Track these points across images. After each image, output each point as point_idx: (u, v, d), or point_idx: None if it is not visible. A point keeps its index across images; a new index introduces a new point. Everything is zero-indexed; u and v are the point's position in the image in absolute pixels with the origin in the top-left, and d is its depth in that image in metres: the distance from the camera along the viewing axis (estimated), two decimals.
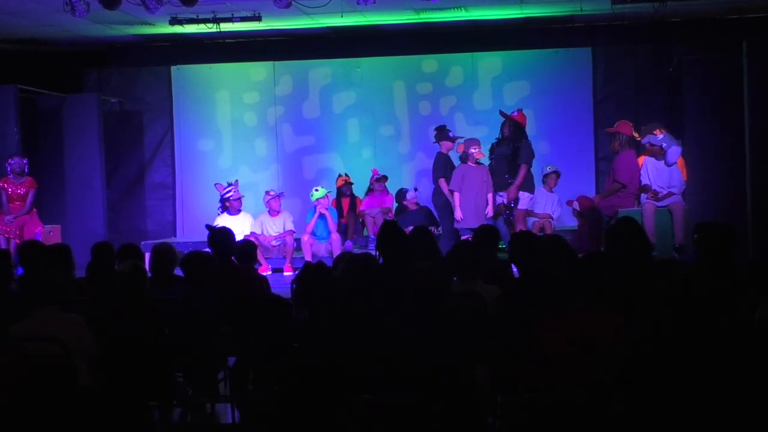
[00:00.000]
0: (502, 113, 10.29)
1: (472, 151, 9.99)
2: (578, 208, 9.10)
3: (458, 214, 9.90)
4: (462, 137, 10.52)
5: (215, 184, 11.77)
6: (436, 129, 10.86)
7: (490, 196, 9.96)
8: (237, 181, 11.58)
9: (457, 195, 9.90)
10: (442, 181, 10.36)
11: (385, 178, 11.72)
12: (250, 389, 4.36)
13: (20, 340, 4.59)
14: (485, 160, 10.29)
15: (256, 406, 4.16)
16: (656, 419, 3.57)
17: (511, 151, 10.01)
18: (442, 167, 10.42)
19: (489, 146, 10.40)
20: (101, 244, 6.84)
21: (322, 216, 11.16)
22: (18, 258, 6.82)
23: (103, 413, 4.63)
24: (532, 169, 10.30)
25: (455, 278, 5.31)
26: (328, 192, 11.31)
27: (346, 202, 11.81)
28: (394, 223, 6.81)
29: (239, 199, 11.37)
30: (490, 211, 9.92)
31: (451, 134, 10.62)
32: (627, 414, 3.63)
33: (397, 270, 4.67)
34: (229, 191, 11.35)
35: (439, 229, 10.44)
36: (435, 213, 10.72)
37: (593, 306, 4.02)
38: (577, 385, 3.79)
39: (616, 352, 3.83)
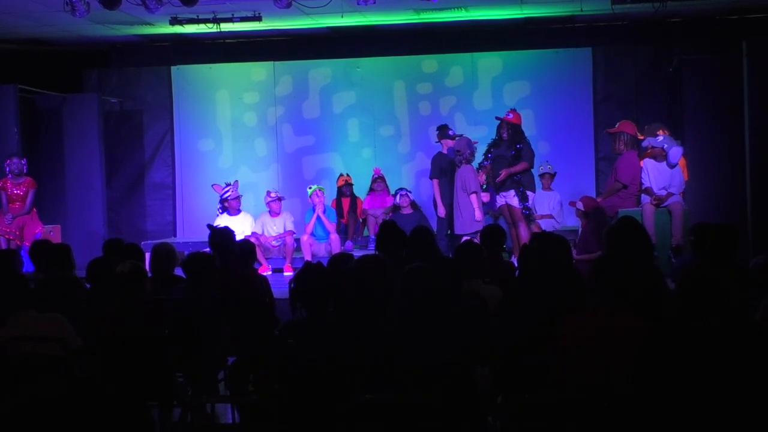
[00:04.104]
0: (497, 118, 10.27)
1: (475, 144, 10.06)
2: (582, 208, 9.09)
3: (479, 214, 9.88)
4: (461, 135, 10.50)
5: (213, 185, 11.78)
6: (438, 128, 10.85)
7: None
8: (236, 181, 11.58)
9: (474, 196, 9.88)
10: (435, 182, 10.36)
11: (382, 179, 11.72)
12: (251, 389, 4.36)
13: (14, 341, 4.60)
14: (478, 161, 10.29)
15: (256, 406, 4.16)
16: (659, 419, 3.57)
17: (513, 152, 9.99)
18: (439, 168, 10.41)
19: (485, 148, 10.37)
20: (112, 241, 6.87)
21: (320, 216, 11.18)
22: (30, 258, 6.87)
23: (102, 413, 4.62)
24: (532, 170, 10.27)
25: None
26: (320, 188, 11.31)
27: (346, 202, 11.81)
28: (393, 223, 6.81)
29: (237, 198, 11.37)
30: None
31: (451, 132, 10.62)
32: (630, 414, 3.63)
33: (396, 269, 4.66)
34: (227, 191, 11.36)
35: (448, 231, 10.41)
36: (444, 213, 10.59)
37: (608, 307, 4.03)
38: (589, 386, 3.80)
39: (627, 353, 3.83)
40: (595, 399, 3.65)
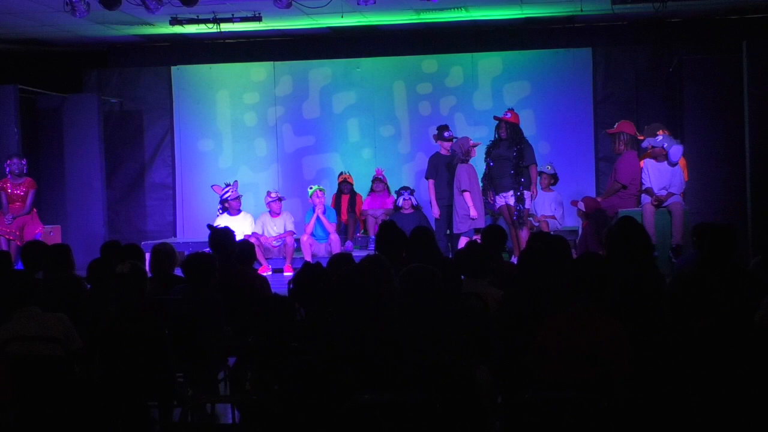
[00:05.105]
0: (495, 118, 10.26)
1: (473, 143, 10.05)
2: (583, 209, 9.10)
3: (474, 212, 9.85)
4: (456, 137, 10.50)
5: (212, 186, 11.79)
6: (437, 128, 10.84)
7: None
8: (236, 181, 11.59)
9: (468, 195, 9.87)
10: (430, 182, 10.36)
11: (380, 180, 11.68)
12: (248, 389, 4.36)
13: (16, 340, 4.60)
14: (478, 162, 10.27)
15: (256, 406, 4.16)
16: (657, 419, 3.57)
17: (515, 153, 9.97)
18: (434, 169, 10.41)
19: (485, 148, 10.34)
20: (109, 243, 6.87)
21: (320, 217, 11.20)
22: (21, 258, 6.83)
23: (102, 413, 4.63)
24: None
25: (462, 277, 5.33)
26: (320, 189, 11.33)
27: (345, 200, 11.80)
28: (392, 223, 6.82)
29: (237, 198, 11.39)
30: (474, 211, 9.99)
31: (446, 134, 10.59)
32: (627, 414, 3.63)
33: (396, 269, 4.67)
34: (227, 191, 11.37)
35: (447, 231, 10.39)
36: (438, 213, 10.54)
37: (593, 307, 4.03)
38: (577, 385, 3.80)
39: (616, 352, 3.84)
40: (594, 398, 3.65)
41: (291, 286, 4.56)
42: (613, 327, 3.94)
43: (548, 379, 3.92)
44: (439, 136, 10.62)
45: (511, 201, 9.94)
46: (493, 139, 10.23)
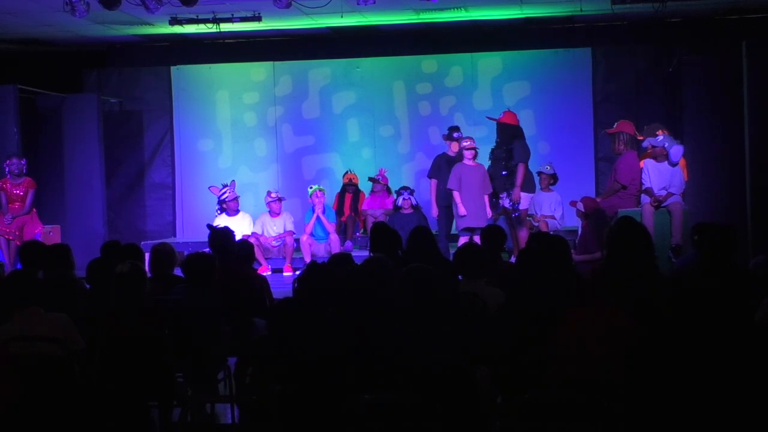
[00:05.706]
0: (489, 118, 10.25)
1: (465, 144, 9.99)
2: (582, 209, 9.10)
3: (462, 210, 9.82)
4: (464, 137, 10.49)
5: (209, 188, 11.79)
6: (448, 129, 10.80)
7: (485, 197, 9.94)
8: (233, 181, 11.59)
9: (456, 194, 9.86)
10: (432, 182, 10.36)
11: (377, 181, 11.65)
12: (247, 381, 4.37)
13: (18, 340, 4.59)
14: (483, 162, 10.26)
15: (256, 405, 4.17)
16: (659, 419, 3.57)
17: (505, 153, 9.95)
18: (437, 168, 10.40)
19: (489, 150, 10.32)
20: (109, 244, 6.88)
21: (319, 217, 11.20)
22: (20, 258, 6.82)
23: (102, 413, 4.63)
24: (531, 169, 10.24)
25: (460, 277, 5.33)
26: (320, 189, 11.33)
27: (348, 198, 11.78)
28: (384, 224, 6.83)
29: (235, 199, 11.38)
30: (489, 211, 9.93)
31: (455, 135, 10.57)
32: (629, 414, 3.63)
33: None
34: (225, 192, 11.37)
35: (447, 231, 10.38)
36: (437, 213, 10.53)
37: (603, 306, 4.05)
38: (583, 385, 3.81)
39: (622, 352, 3.84)
40: (594, 398, 3.65)
41: (295, 285, 4.56)
42: (634, 326, 3.96)
43: (562, 377, 3.92)
44: (448, 137, 10.58)
45: (506, 202, 9.92)
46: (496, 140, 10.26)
